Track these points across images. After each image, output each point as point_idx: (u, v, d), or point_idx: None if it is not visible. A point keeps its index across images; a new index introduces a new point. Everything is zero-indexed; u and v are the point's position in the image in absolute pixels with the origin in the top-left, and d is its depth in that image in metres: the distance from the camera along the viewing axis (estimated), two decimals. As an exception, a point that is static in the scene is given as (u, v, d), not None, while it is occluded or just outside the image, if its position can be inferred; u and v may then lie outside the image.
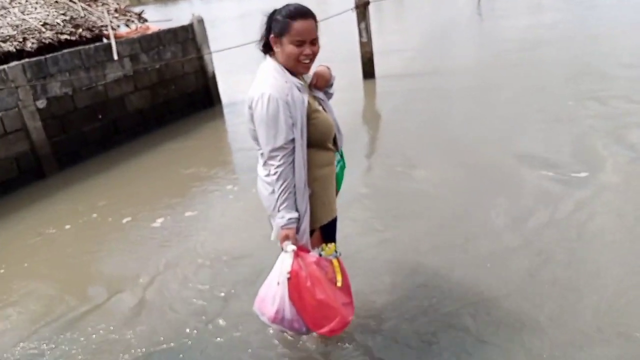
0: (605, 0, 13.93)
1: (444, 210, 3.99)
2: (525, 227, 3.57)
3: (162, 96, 7.41)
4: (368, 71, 8.56)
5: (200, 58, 8.01)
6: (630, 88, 6.16)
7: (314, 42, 2.16)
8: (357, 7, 8.30)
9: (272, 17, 2.18)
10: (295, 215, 2.22)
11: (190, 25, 7.84)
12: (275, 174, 2.17)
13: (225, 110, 8.13)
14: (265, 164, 2.24)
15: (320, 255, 2.30)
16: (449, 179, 4.53)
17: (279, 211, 2.22)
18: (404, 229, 3.79)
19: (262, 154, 2.26)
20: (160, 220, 4.53)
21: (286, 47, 2.14)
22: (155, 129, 7.23)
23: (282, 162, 2.15)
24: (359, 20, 8.39)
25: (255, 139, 2.27)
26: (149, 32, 7.56)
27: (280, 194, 2.19)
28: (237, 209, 4.57)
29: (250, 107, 2.19)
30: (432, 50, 10.70)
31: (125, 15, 7.70)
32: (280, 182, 2.17)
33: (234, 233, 4.09)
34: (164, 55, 7.41)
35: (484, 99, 6.72)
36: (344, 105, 7.37)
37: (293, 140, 2.15)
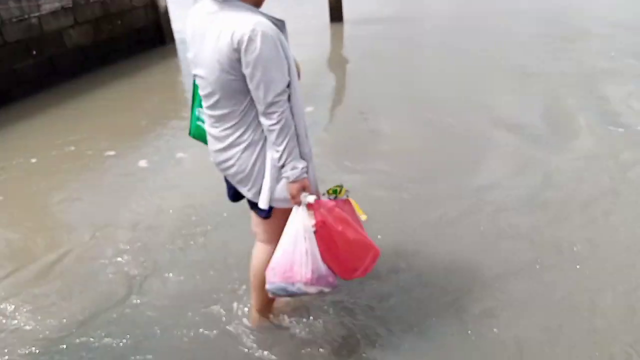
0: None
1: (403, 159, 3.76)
2: (487, 190, 3.35)
3: (107, 32, 6.67)
4: (335, 14, 7.98)
5: (151, -10, 7.24)
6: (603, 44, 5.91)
7: None
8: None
9: None
10: (304, 163, 1.99)
11: (139, -48, 7.02)
12: (279, 122, 1.88)
13: (180, 49, 7.47)
14: (266, 114, 1.88)
15: (335, 198, 2.11)
16: (415, 134, 4.25)
17: (287, 164, 1.95)
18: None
19: (262, 106, 1.87)
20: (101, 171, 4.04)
21: None
22: (99, 68, 6.54)
23: (284, 108, 1.87)
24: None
25: (233, 87, 1.88)
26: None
27: (287, 144, 1.92)
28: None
29: (236, 50, 1.78)
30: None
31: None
32: (286, 131, 1.90)
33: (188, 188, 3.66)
34: (107, -15, 6.63)
35: (456, 50, 6.33)
36: (310, 49, 6.88)
37: (289, 84, 1.89)
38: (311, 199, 1.99)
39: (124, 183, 3.89)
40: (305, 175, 1.98)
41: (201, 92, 2.00)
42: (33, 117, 5.24)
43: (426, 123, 4.45)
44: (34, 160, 4.32)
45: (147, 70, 6.61)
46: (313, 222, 2.00)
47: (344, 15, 7.99)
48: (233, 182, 2.12)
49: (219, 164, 2.10)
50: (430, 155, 3.93)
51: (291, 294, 2.13)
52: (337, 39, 7.51)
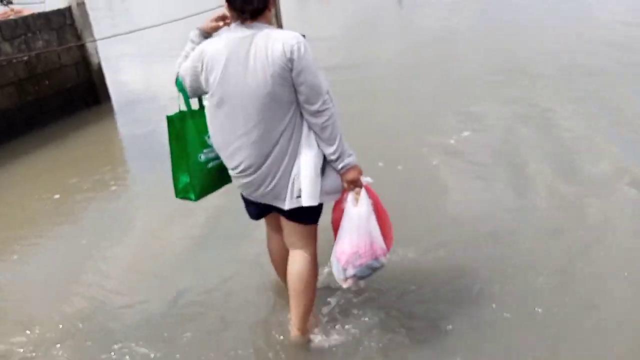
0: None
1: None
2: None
3: (32, 93, 6.16)
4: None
5: (82, 47, 6.81)
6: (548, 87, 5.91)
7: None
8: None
9: None
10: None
11: (68, 9, 6.61)
12: (330, 117, 2.09)
13: (117, 108, 7.00)
14: (318, 113, 2.08)
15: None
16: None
17: (343, 153, 2.16)
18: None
19: (312, 112, 2.09)
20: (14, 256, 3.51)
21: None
22: (24, 133, 5.99)
23: (331, 105, 2.11)
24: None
25: (282, 97, 2.07)
26: (21, 16, 6.29)
27: (340, 136, 2.15)
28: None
29: (289, 59, 2.01)
30: (352, 40, 10.09)
31: (-18, -5, 6.33)
32: (337, 125, 2.13)
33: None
34: (33, 44, 6.15)
35: (403, 94, 6.19)
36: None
37: None
38: (369, 179, 2.26)
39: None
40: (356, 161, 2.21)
41: (240, 115, 2.10)
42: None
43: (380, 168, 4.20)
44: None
45: (80, 132, 6.10)
46: (370, 201, 2.24)
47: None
48: (267, 199, 2.25)
49: (261, 192, 2.22)
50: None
51: (373, 271, 2.31)
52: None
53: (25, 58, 6.04)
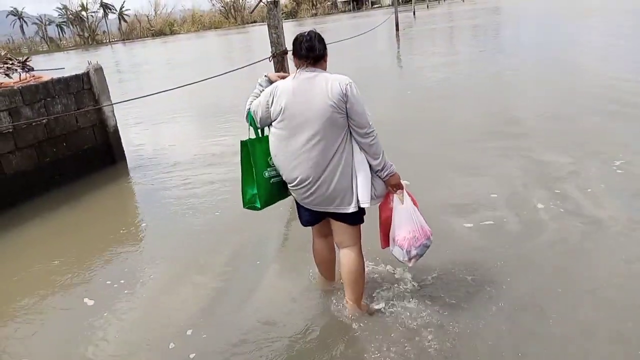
0: (511, 40, 14.59)
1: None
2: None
3: (51, 155, 6.33)
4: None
5: (99, 110, 7.05)
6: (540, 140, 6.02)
7: None
8: (274, 55, 7.76)
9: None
10: None
11: (86, 74, 6.90)
12: (375, 137, 2.74)
13: (131, 169, 7.16)
14: (367, 135, 2.71)
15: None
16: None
17: (386, 165, 2.80)
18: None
19: (362, 134, 2.72)
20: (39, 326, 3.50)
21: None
22: (43, 193, 6.11)
23: (374, 129, 2.75)
24: (277, 70, 7.81)
25: (338, 123, 2.68)
26: (41, 81, 6.55)
27: (382, 152, 2.78)
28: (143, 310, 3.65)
29: (344, 95, 2.64)
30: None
31: (5, 63, 6.62)
32: (380, 143, 2.77)
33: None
34: (53, 108, 6.39)
35: (404, 154, 6.31)
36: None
37: None
38: (407, 182, 2.93)
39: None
40: None
41: (303, 137, 2.69)
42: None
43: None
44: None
45: (96, 193, 6.23)
46: (409, 198, 2.90)
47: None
48: (328, 207, 2.82)
49: (316, 194, 2.77)
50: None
51: (427, 248, 2.93)
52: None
53: (45, 121, 6.26)
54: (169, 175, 6.65)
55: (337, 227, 2.95)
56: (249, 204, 2.96)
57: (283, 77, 2.92)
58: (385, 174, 2.81)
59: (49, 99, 6.36)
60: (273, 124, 2.80)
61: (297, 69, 2.78)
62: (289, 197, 3.04)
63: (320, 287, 3.44)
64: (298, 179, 2.77)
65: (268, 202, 2.95)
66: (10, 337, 3.41)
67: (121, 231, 4.99)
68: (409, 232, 2.87)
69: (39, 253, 4.69)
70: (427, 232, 2.92)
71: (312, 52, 2.73)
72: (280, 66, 7.80)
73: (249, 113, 2.93)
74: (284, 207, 4.99)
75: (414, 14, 42.61)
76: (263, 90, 2.91)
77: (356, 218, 2.90)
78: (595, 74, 9.68)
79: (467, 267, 3.53)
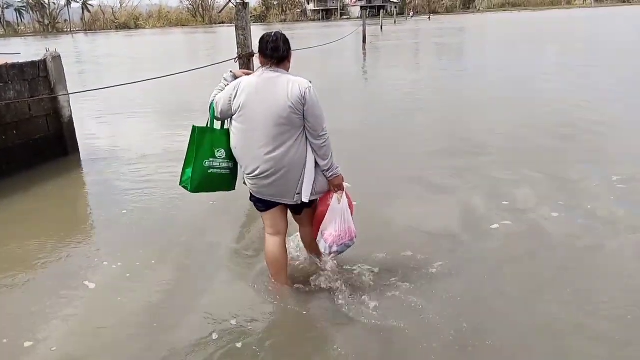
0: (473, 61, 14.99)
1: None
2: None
3: (-1, 143, 6.07)
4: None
5: (54, 100, 6.81)
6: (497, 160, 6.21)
7: None
8: (240, 57, 7.71)
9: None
10: None
11: (43, 62, 6.66)
12: (326, 141, 2.97)
13: (84, 161, 6.93)
14: (319, 137, 2.94)
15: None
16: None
17: (332, 166, 3.04)
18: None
19: (315, 137, 2.94)
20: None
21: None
22: (-13, 183, 5.84)
23: (327, 132, 2.98)
24: (243, 71, 7.79)
25: (294, 123, 2.88)
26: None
27: (331, 154, 3.01)
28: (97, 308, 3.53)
29: (302, 97, 2.83)
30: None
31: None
32: (330, 147, 3.00)
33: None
34: (5, 94, 6.13)
35: (365, 170, 6.38)
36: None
37: None
38: (348, 185, 3.21)
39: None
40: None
41: (260, 133, 2.89)
42: None
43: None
44: None
45: (45, 184, 5.99)
46: (346, 199, 3.18)
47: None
48: (277, 197, 3.06)
49: (267, 186, 3.01)
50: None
51: (347, 247, 3.25)
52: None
53: (-5, 107, 6.00)
54: (122, 170, 6.47)
55: (294, 213, 3.31)
56: (183, 183, 3.16)
57: (247, 74, 3.09)
58: (330, 174, 3.05)
59: (1, 84, 6.09)
60: (233, 117, 2.98)
61: (262, 66, 2.94)
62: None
63: (273, 292, 3.43)
64: (256, 172, 2.97)
65: (199, 189, 3.14)
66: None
67: (68, 224, 4.82)
68: (336, 231, 3.15)
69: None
70: (352, 234, 3.22)
71: (276, 53, 2.89)
72: (246, 67, 7.76)
73: (211, 104, 3.08)
74: (241, 206, 4.96)
75: (382, 28, 43.27)
76: (227, 84, 3.08)
77: (305, 205, 3.14)
78: (551, 98, 10.05)
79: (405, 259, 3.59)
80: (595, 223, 4.38)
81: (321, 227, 3.20)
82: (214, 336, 3.04)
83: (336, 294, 3.36)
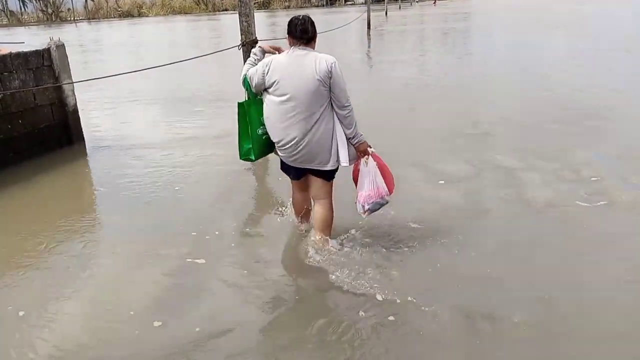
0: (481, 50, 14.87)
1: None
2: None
3: (5, 131, 6.08)
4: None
5: (59, 89, 6.82)
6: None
7: None
8: (243, 44, 7.66)
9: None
10: None
11: (47, 50, 6.65)
12: (350, 111, 3.33)
13: (89, 150, 6.95)
14: (344, 107, 3.30)
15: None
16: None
17: (357, 134, 3.39)
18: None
19: (340, 107, 3.31)
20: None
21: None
22: (-7, 172, 5.86)
23: (351, 103, 3.34)
24: (246, 59, 7.73)
25: (322, 95, 3.25)
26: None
27: (355, 123, 3.36)
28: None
29: (329, 71, 3.19)
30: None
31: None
32: (353, 116, 3.35)
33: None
34: (9, 83, 6.14)
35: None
36: (232, 151, 6.67)
37: None
38: (373, 149, 3.54)
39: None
40: None
41: (292, 104, 3.24)
42: None
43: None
44: None
45: (50, 173, 6.02)
46: (375, 162, 3.52)
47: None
48: (309, 164, 3.43)
49: (301, 153, 3.36)
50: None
51: (381, 206, 3.60)
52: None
53: (0, 96, 6.00)
54: (127, 158, 6.50)
55: (314, 182, 3.59)
56: (245, 155, 3.55)
57: (275, 48, 3.51)
58: (356, 141, 3.40)
59: (5, 74, 6.11)
60: (268, 90, 3.32)
61: (291, 46, 3.30)
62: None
63: (296, 225, 4.04)
64: (286, 139, 3.34)
65: (261, 155, 3.56)
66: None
67: (73, 213, 4.84)
68: (365, 191, 3.53)
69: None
70: (381, 193, 3.54)
71: (305, 34, 3.27)
72: (249, 55, 7.74)
73: (245, 78, 3.40)
74: (241, 201, 4.96)
75: (386, 13, 42.85)
76: (258, 59, 3.47)
77: (330, 175, 3.55)
78: (560, 84, 9.96)
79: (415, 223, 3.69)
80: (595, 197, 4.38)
81: (359, 193, 3.60)
82: (225, 325, 3.07)
83: (346, 272, 3.52)
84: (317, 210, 3.68)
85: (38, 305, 3.33)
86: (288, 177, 3.80)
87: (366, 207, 3.56)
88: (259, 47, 3.57)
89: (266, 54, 3.55)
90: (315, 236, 3.75)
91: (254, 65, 3.43)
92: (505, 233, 4.08)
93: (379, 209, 3.62)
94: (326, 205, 3.64)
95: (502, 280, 3.41)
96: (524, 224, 4.21)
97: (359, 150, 3.46)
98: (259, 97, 3.46)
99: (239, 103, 3.47)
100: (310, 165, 3.44)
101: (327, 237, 3.73)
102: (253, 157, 3.53)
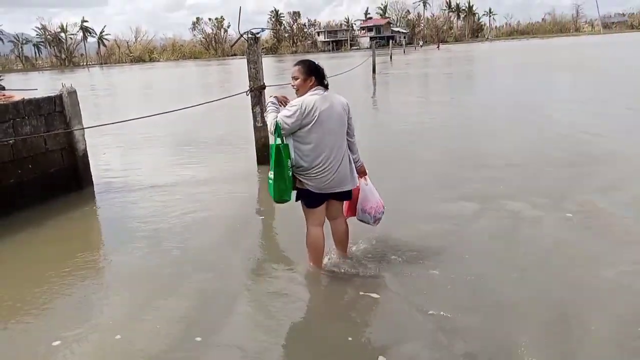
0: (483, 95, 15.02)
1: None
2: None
3: (15, 177, 6.15)
4: (263, 157, 7.96)
5: (69, 134, 6.92)
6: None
7: (294, 78, 3.85)
8: (251, 90, 7.81)
9: None
10: None
11: (59, 97, 6.79)
12: (355, 140, 4.06)
13: (98, 193, 6.99)
14: (353, 136, 4.02)
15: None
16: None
17: (359, 158, 4.13)
18: None
19: (351, 137, 4.01)
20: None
21: None
22: (2, 216, 5.88)
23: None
24: (254, 104, 7.88)
25: (346, 127, 3.91)
26: (11, 101, 6.42)
27: (358, 149, 4.12)
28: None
29: (348, 108, 3.93)
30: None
31: (-24, 80, 6.48)
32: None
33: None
34: (21, 128, 6.25)
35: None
36: (237, 195, 6.72)
37: None
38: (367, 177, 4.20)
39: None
40: None
41: (331, 137, 3.76)
42: None
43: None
44: None
45: (59, 218, 6.03)
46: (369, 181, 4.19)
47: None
48: (339, 187, 3.86)
49: (337, 177, 3.81)
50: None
51: (382, 216, 4.22)
52: (264, 182, 7.41)
53: (12, 142, 6.10)
54: (136, 203, 6.51)
55: (334, 205, 4.05)
56: (280, 197, 3.74)
57: (285, 98, 3.95)
58: (359, 164, 4.11)
59: (18, 119, 6.22)
60: (308, 128, 3.68)
61: (311, 88, 3.78)
62: None
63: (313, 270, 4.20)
64: (325, 166, 3.74)
65: (290, 194, 3.81)
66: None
67: (80, 257, 4.81)
68: (373, 204, 4.13)
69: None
70: (381, 206, 4.19)
71: (325, 79, 3.87)
72: (258, 100, 7.87)
73: (277, 123, 3.67)
74: (250, 241, 4.94)
75: (391, 57, 43.73)
76: (277, 107, 3.86)
77: (350, 195, 4.07)
78: (562, 125, 10.01)
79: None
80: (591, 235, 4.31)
81: (358, 205, 4.14)
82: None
83: (368, 279, 4.02)
84: (339, 228, 4.18)
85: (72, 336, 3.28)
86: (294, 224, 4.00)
87: (377, 216, 4.15)
88: (275, 97, 3.96)
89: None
90: (339, 251, 4.28)
91: (277, 112, 3.78)
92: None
93: (381, 218, 4.21)
94: (344, 220, 4.20)
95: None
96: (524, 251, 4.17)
97: (360, 172, 4.11)
98: (285, 141, 3.71)
99: (276, 145, 3.64)
100: (340, 188, 3.87)
101: (345, 252, 4.30)
102: (289, 198, 3.78)
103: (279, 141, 3.67)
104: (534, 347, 3.09)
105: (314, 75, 3.79)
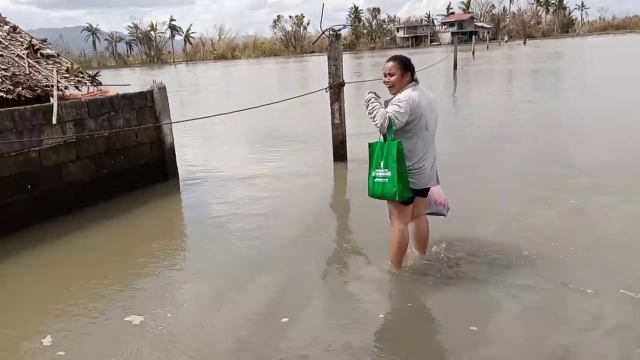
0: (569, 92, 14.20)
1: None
2: None
3: (108, 167, 6.56)
4: (339, 154, 7.98)
5: (158, 128, 7.28)
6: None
7: (389, 75, 3.78)
8: (331, 87, 7.84)
9: None
10: None
11: (150, 92, 7.16)
12: None
13: (182, 185, 7.32)
14: (434, 132, 3.89)
15: None
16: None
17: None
18: None
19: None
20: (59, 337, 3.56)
21: None
22: (96, 204, 6.31)
23: None
24: (333, 101, 7.91)
25: (436, 125, 3.90)
26: (107, 96, 6.86)
27: None
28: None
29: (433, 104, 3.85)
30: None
31: (77, 76, 6.97)
32: None
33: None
34: (115, 122, 6.65)
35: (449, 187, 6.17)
36: (313, 190, 6.78)
37: None
38: None
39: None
40: None
41: (430, 133, 3.81)
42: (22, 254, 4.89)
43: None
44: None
45: (147, 207, 6.39)
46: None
47: (347, 155, 7.99)
48: (430, 183, 3.91)
49: (432, 172, 3.89)
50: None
51: (448, 210, 4.29)
52: (340, 179, 7.44)
53: (106, 134, 6.51)
54: (218, 194, 6.76)
55: (420, 201, 4.03)
56: (402, 195, 3.70)
57: (376, 93, 3.83)
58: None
59: (112, 113, 6.62)
60: (415, 123, 3.67)
61: (407, 84, 3.75)
62: None
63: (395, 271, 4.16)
64: (426, 162, 3.79)
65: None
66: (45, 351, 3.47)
67: (166, 244, 5.07)
68: (442, 196, 4.22)
69: (80, 263, 4.80)
70: (447, 204, 4.28)
71: (415, 75, 3.87)
72: (337, 97, 7.90)
73: (390, 119, 3.60)
74: (327, 236, 4.96)
75: (473, 53, 42.37)
76: (381, 102, 3.75)
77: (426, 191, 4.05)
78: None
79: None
80: None
81: (435, 199, 4.18)
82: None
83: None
84: (424, 227, 4.17)
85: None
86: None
87: (448, 207, 4.26)
88: (374, 93, 3.80)
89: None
90: (419, 251, 4.27)
91: (382, 107, 3.70)
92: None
93: (444, 213, 4.32)
94: (426, 220, 4.19)
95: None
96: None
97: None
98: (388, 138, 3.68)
99: (397, 142, 3.65)
100: (430, 184, 3.92)
101: (426, 249, 4.29)
102: (409, 194, 3.80)
103: (391, 137, 3.66)
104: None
105: (410, 71, 3.75)
